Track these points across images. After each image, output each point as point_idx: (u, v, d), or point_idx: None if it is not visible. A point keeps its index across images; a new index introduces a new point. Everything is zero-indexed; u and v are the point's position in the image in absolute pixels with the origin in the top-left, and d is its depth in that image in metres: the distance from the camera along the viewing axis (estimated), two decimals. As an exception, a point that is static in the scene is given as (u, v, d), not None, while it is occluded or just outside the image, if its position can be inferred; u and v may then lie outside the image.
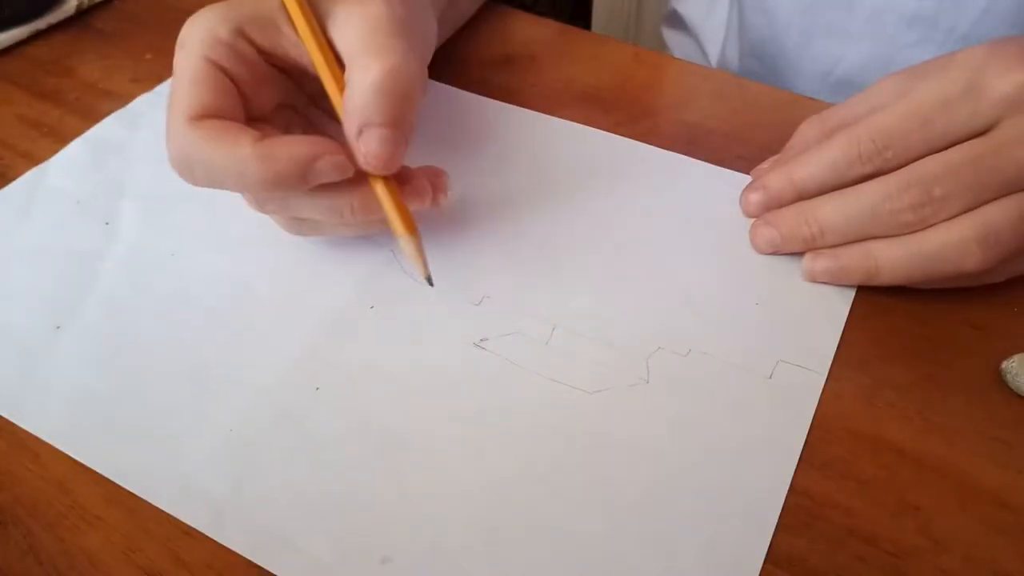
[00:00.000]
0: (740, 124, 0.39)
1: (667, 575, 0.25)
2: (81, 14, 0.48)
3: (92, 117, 0.41)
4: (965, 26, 0.43)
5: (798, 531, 0.26)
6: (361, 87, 0.28)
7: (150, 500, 0.27)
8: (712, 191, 0.36)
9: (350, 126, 0.29)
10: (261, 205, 0.31)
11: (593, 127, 0.39)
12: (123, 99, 0.42)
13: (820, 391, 0.29)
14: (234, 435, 0.29)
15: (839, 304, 0.32)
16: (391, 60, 0.28)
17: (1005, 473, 0.27)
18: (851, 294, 0.32)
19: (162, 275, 0.34)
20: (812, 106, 0.40)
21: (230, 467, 0.28)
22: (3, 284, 0.34)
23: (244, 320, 0.32)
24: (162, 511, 0.27)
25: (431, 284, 0.31)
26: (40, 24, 0.46)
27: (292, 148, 0.28)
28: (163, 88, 0.43)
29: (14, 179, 0.38)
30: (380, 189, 0.30)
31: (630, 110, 0.41)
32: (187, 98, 0.29)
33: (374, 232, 0.33)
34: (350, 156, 0.29)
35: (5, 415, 0.30)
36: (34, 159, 0.39)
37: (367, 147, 0.28)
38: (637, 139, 0.39)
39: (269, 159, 0.27)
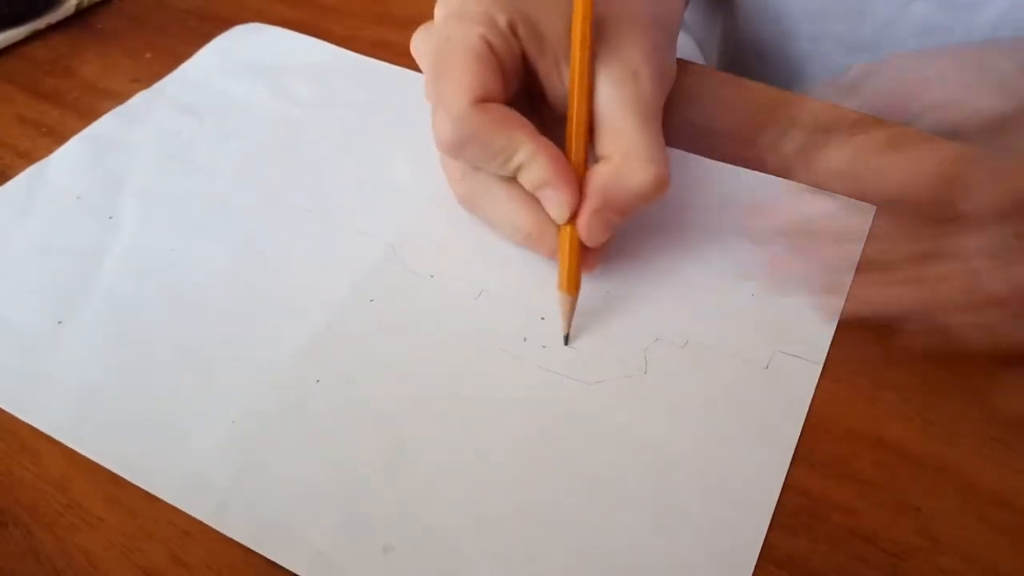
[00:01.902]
0: (740, 124, 0.39)
1: (665, 564, 0.25)
2: (80, 14, 0.47)
3: (92, 117, 0.41)
4: (977, 37, 0.43)
5: (798, 531, 0.26)
6: (626, 182, 0.29)
7: (153, 492, 0.27)
8: (710, 185, 0.36)
9: (592, 199, 0.29)
10: (463, 166, 0.32)
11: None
12: (123, 98, 0.42)
13: (816, 380, 0.29)
14: (236, 427, 0.29)
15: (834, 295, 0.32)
16: (661, 171, 0.29)
17: (1005, 473, 0.27)
18: (846, 285, 0.32)
19: (163, 269, 0.34)
20: (813, 106, 0.40)
21: (232, 459, 0.28)
22: (4, 280, 0.34)
23: (245, 313, 0.33)
24: (162, 511, 0.27)
25: (566, 343, 0.31)
26: (40, 24, 0.46)
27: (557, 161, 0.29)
28: (161, 85, 0.43)
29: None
30: (565, 240, 0.30)
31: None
32: (469, 77, 0.28)
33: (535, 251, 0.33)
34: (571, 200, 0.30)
35: (8, 410, 0.30)
36: (33, 159, 0.39)
37: (594, 226, 0.29)
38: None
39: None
